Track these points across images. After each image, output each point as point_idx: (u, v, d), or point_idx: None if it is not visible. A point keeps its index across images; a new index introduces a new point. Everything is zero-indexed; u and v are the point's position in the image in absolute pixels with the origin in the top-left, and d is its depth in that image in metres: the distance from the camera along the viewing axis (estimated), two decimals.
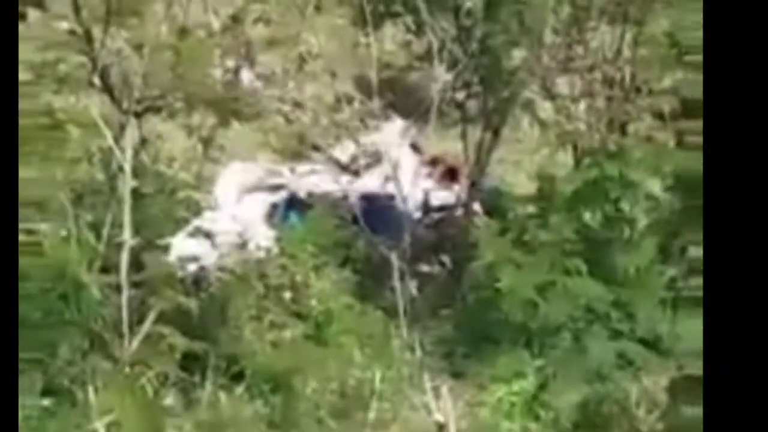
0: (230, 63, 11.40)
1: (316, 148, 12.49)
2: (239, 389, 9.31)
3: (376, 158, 11.85)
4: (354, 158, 12.10)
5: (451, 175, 11.96)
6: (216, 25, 11.23)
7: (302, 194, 11.58)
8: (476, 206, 11.50)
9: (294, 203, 11.53)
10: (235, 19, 11.12)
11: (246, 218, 11.01)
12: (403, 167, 11.38)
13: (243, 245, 10.45)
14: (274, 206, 11.47)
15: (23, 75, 8.25)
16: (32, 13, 9.38)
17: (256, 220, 11.11)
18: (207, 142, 10.63)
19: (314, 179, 11.84)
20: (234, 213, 11.10)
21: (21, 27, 9.10)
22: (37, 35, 9.18)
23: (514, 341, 9.82)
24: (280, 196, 11.59)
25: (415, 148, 12.10)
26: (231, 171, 11.56)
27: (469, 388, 9.83)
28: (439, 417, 8.88)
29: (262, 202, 11.47)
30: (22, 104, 7.09)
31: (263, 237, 10.73)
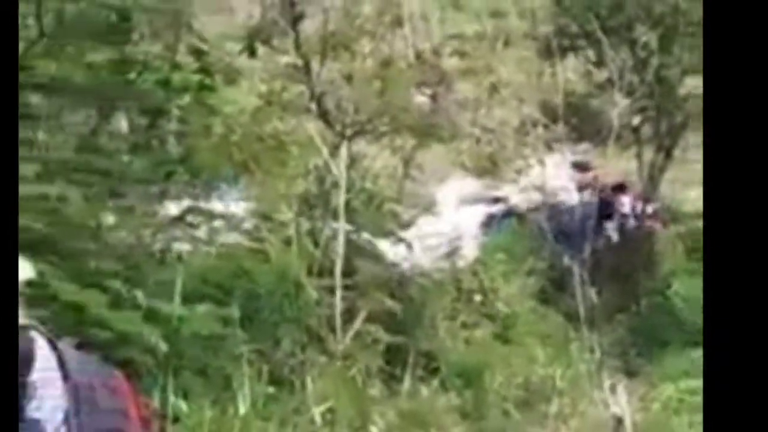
0: (429, 91, 11.60)
1: (504, 167, 12.64)
2: (435, 382, 9.41)
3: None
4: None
5: (619, 189, 12.02)
6: (416, 57, 11.43)
7: (518, 208, 11.83)
8: (650, 220, 11.54)
9: (507, 215, 11.80)
10: (434, 52, 11.31)
11: (463, 226, 11.19)
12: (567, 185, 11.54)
13: (451, 252, 10.62)
14: (491, 217, 11.72)
15: (254, 102, 8.54)
16: (261, 49, 9.64)
17: (472, 228, 11.28)
18: (407, 162, 10.82)
19: (519, 194, 12.05)
20: (453, 220, 11.29)
21: (251, 61, 9.47)
22: (264, 68, 9.44)
23: (683, 343, 9.82)
24: (498, 208, 11.85)
25: (579, 166, 12.23)
26: (453, 183, 11.81)
27: (642, 385, 9.84)
28: (616, 410, 8.92)
29: (480, 212, 11.72)
30: (253, 129, 7.33)
31: (471, 245, 10.90)
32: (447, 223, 11.14)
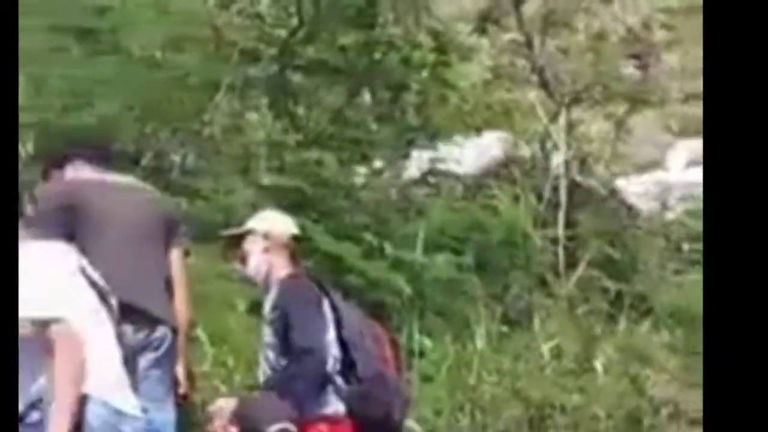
0: (638, 62, 11.36)
1: None
2: (648, 322, 9.24)
3: None
4: None
5: None
6: (626, 31, 11.21)
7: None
8: None
9: None
10: (644, 26, 11.03)
11: (688, 182, 10.91)
12: None
13: (663, 205, 10.39)
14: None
15: (484, 75, 8.55)
16: (489, 28, 9.71)
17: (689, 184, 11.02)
18: (619, 126, 10.62)
19: None
20: (682, 179, 11.03)
21: (481, 40, 9.45)
22: (492, 45, 9.52)
23: None
24: None
25: None
26: (683, 145, 11.60)
27: None
28: None
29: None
30: (483, 98, 7.36)
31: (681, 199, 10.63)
32: (676, 179, 10.87)
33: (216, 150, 8.29)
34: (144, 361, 5.26)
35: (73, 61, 7.85)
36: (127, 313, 4.93)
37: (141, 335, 5.26)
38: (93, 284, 4.47)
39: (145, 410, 4.66)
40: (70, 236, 4.91)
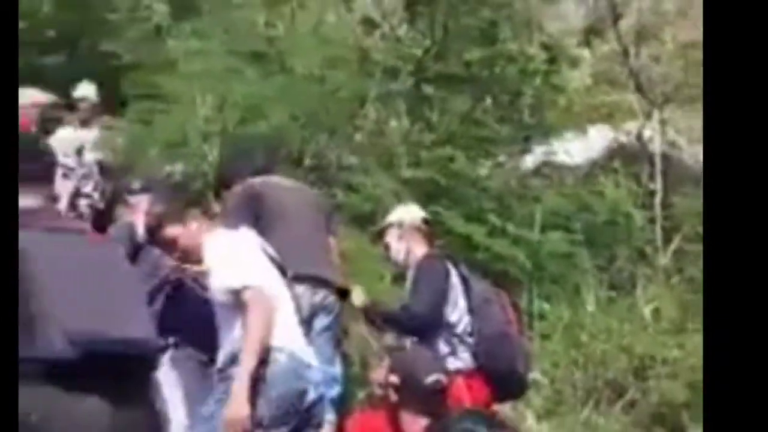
0: None
1: None
2: None
3: None
4: None
5: None
6: None
7: None
8: None
9: None
10: None
11: None
12: None
13: None
14: None
15: (588, 80, 8.49)
16: (593, 41, 9.68)
17: None
18: None
19: None
20: None
21: (585, 51, 9.45)
22: (594, 55, 9.44)
23: None
24: None
25: None
26: None
27: None
28: None
29: None
30: (587, 101, 7.32)
31: None
32: None
33: (365, 150, 8.42)
34: (318, 322, 5.48)
35: (248, 80, 8.12)
36: (304, 279, 5.26)
37: (317, 299, 5.46)
38: (272, 260, 4.73)
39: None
40: (253, 225, 5.11)
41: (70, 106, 8.16)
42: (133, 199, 5.65)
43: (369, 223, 6.68)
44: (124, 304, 3.24)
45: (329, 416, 5.21)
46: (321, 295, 5.51)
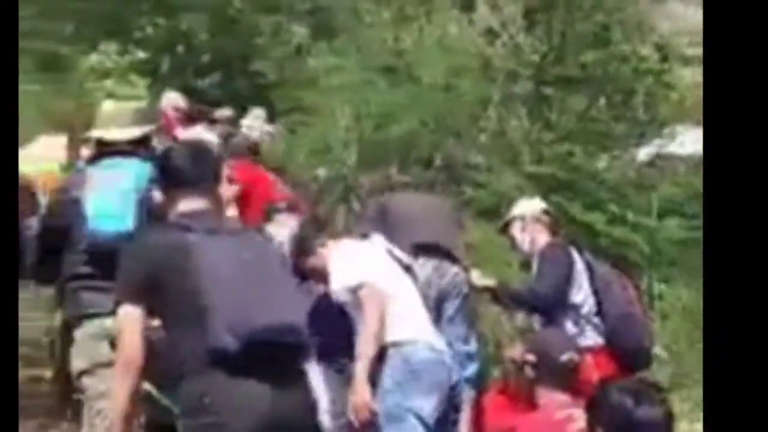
0: None
1: None
2: None
3: None
4: None
5: None
6: None
7: None
8: None
9: None
10: None
11: None
12: None
13: None
14: None
15: (697, 78, 8.23)
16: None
17: None
18: None
19: None
20: None
21: (694, 49, 9.17)
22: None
23: None
24: None
25: None
26: None
27: None
28: None
29: None
30: (699, 95, 7.11)
31: None
32: None
33: (489, 150, 8.40)
34: (449, 306, 5.46)
35: (380, 91, 8.25)
36: (429, 249, 5.35)
37: (444, 282, 5.43)
38: (398, 260, 4.84)
39: (450, 344, 4.95)
40: (381, 231, 5.20)
41: (212, 120, 8.36)
42: (280, 217, 5.67)
43: (495, 216, 6.66)
44: (279, 295, 3.31)
45: (469, 393, 5.21)
46: (447, 279, 5.50)
